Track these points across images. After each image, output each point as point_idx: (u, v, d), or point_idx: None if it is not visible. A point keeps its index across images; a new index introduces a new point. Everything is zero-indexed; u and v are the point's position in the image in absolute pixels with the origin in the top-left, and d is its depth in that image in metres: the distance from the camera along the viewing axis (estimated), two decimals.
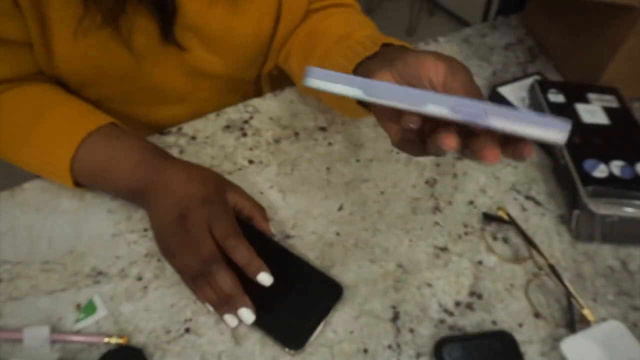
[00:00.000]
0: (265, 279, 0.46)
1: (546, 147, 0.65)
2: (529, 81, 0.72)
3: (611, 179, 0.57)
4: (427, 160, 0.64)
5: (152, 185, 0.51)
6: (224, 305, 0.46)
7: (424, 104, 0.34)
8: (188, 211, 0.48)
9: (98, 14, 0.52)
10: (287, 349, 0.46)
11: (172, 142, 0.63)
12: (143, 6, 0.53)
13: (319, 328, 0.47)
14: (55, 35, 0.53)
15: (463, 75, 0.37)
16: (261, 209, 0.53)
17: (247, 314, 0.45)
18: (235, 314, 0.46)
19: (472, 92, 0.36)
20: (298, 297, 0.48)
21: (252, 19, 0.61)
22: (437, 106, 0.34)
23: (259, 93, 0.75)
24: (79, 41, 0.53)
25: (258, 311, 0.46)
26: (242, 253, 0.46)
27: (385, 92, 0.35)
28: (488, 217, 0.57)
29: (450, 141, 0.34)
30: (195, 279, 0.46)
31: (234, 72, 0.67)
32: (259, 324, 0.46)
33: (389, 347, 0.47)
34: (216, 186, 0.51)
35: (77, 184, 0.54)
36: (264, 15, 0.62)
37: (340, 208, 0.58)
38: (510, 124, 0.33)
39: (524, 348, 0.47)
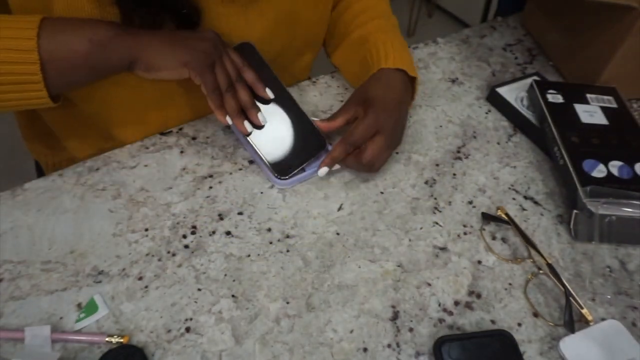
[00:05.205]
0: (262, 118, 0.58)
1: (545, 147, 0.65)
2: (527, 81, 0.72)
3: (610, 179, 0.57)
4: (426, 160, 0.64)
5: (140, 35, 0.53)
6: (240, 115, 0.57)
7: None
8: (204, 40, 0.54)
9: None
10: (276, 175, 0.58)
11: (172, 142, 0.63)
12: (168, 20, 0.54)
13: (302, 168, 0.59)
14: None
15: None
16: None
17: (262, 117, 0.58)
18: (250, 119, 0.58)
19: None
20: (291, 137, 0.60)
21: (268, 20, 0.61)
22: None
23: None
24: None
25: (258, 139, 0.58)
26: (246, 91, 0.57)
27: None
28: (487, 217, 0.58)
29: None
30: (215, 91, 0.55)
31: None
32: (260, 148, 0.58)
33: (389, 346, 0.47)
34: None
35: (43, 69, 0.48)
36: (279, 23, 0.62)
37: (340, 208, 0.58)
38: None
39: (522, 347, 0.47)
